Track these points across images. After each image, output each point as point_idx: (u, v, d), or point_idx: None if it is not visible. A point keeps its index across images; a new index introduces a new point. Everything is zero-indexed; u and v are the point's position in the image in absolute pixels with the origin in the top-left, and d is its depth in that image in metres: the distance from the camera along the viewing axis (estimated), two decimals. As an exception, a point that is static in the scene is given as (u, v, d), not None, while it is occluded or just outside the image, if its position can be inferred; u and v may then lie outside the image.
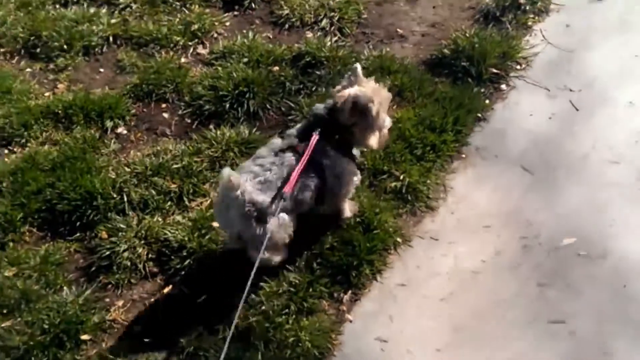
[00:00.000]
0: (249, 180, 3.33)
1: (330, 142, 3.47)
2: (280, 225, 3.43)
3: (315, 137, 3.40)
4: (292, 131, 3.58)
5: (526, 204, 4.07)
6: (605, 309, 3.51)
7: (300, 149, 3.41)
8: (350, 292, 3.74)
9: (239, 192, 3.21)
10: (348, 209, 3.97)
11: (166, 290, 3.86)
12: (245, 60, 5.13)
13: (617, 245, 3.78)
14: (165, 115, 4.96)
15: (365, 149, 3.94)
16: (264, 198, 3.32)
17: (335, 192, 3.70)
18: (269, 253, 3.50)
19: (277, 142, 3.55)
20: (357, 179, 3.78)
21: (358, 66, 3.51)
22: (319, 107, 3.54)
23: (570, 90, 4.73)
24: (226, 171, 3.18)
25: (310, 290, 3.70)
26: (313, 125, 3.47)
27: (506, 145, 4.44)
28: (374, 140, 3.54)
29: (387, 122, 3.64)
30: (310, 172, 3.44)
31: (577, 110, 4.58)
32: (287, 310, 3.62)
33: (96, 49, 5.57)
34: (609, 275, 3.65)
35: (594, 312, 3.51)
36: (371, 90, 3.44)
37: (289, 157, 3.42)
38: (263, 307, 3.63)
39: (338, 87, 3.53)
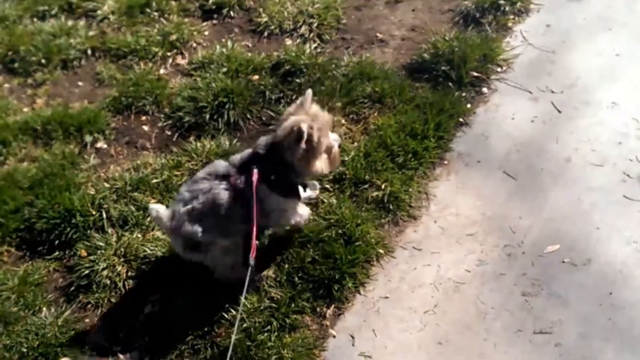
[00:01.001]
0: (180, 211, 3.34)
1: (266, 181, 3.35)
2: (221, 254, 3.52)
3: (255, 175, 3.30)
4: (235, 158, 3.47)
5: (509, 211, 4.02)
6: (591, 318, 3.47)
7: (233, 182, 3.34)
8: (333, 306, 3.69)
9: (168, 224, 3.34)
10: (300, 220, 3.87)
11: (146, 309, 3.80)
12: (225, 70, 5.08)
13: (602, 251, 3.74)
14: (145, 127, 4.90)
15: (316, 177, 3.94)
16: (195, 229, 3.31)
17: (270, 225, 3.73)
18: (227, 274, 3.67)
19: (218, 165, 3.47)
20: (300, 213, 3.78)
21: (309, 93, 3.38)
22: (261, 143, 3.44)
23: (552, 91, 4.68)
24: (151, 207, 3.35)
25: (292, 305, 3.65)
26: (253, 161, 3.39)
27: (489, 150, 4.39)
28: (320, 166, 3.41)
29: (335, 141, 3.53)
30: (239, 207, 3.35)
31: (559, 112, 4.54)
32: (269, 327, 3.56)
33: (74, 62, 5.52)
34: (594, 283, 3.61)
35: (579, 320, 3.46)
36: (311, 117, 3.32)
37: (221, 187, 3.34)
38: (244, 325, 3.58)
39: (286, 112, 3.43)
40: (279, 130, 3.31)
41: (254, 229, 3.24)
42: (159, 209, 3.32)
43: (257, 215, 3.27)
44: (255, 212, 3.26)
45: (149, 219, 4.17)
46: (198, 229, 3.31)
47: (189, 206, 3.33)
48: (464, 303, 3.62)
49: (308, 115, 3.32)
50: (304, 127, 3.20)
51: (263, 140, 3.47)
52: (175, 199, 3.45)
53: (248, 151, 3.50)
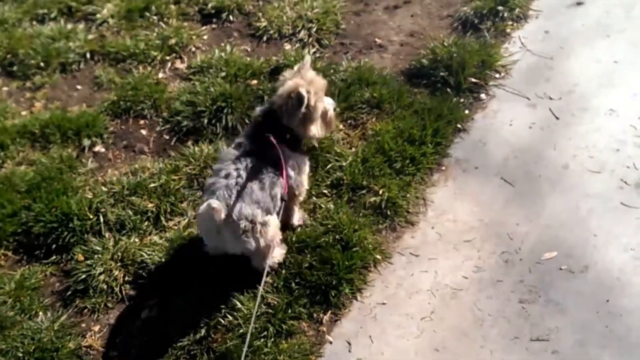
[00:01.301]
0: (228, 197, 3.30)
1: (284, 142, 3.49)
2: (275, 226, 3.49)
3: (273, 140, 3.42)
4: (241, 139, 3.56)
5: (507, 217, 4.02)
6: (588, 325, 3.46)
7: (257, 152, 3.43)
8: (329, 312, 3.69)
9: (223, 216, 3.20)
10: (297, 217, 3.98)
11: (143, 314, 3.79)
12: (223, 74, 5.08)
13: (600, 258, 3.74)
14: (144, 131, 4.90)
15: (311, 140, 3.94)
16: (251, 209, 3.33)
17: (295, 189, 3.73)
18: (273, 255, 3.65)
19: (229, 151, 3.52)
20: (307, 173, 3.85)
21: (308, 59, 3.52)
22: (259, 112, 3.57)
23: (550, 98, 4.68)
24: (206, 204, 3.15)
25: (289, 311, 3.64)
26: (261, 129, 3.49)
27: (486, 156, 4.39)
28: (315, 130, 3.57)
29: (330, 105, 3.64)
30: (273, 172, 3.44)
31: (557, 118, 4.54)
32: (265, 332, 3.56)
33: (73, 66, 5.52)
34: (591, 290, 3.60)
35: (576, 328, 3.46)
36: (307, 82, 3.43)
37: (251, 161, 3.41)
38: (240, 330, 3.56)
39: (282, 78, 3.55)
40: (276, 96, 3.44)
41: (285, 173, 3.39)
42: (213, 204, 3.14)
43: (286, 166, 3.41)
44: (283, 161, 3.39)
45: (146, 223, 4.17)
46: (257, 209, 3.35)
47: (234, 191, 3.32)
48: (461, 310, 3.62)
49: (304, 80, 3.41)
50: (304, 92, 3.32)
51: (259, 109, 3.58)
52: (210, 193, 3.35)
53: (248, 128, 3.63)
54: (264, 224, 3.40)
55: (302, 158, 3.70)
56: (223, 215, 3.20)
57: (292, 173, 3.59)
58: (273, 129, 3.47)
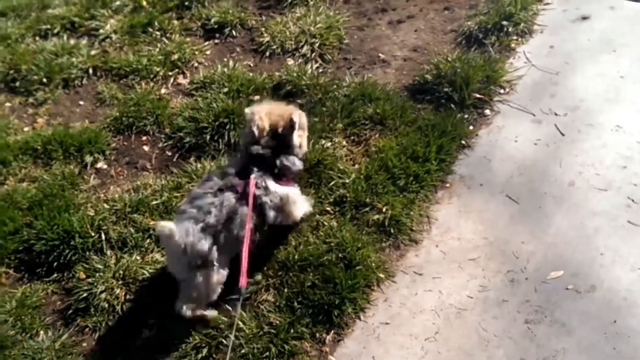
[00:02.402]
0: (191, 228, 3.36)
1: (272, 175, 3.64)
2: (221, 278, 3.60)
3: (253, 179, 3.53)
4: (230, 169, 3.63)
5: (512, 235, 3.97)
6: (595, 346, 3.41)
7: (240, 188, 3.51)
8: (332, 332, 3.64)
9: (179, 241, 3.29)
10: (300, 213, 3.97)
11: (144, 333, 3.76)
12: (226, 90, 5.07)
13: (607, 277, 3.68)
14: (146, 148, 4.88)
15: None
16: (206, 246, 3.38)
17: (281, 220, 3.81)
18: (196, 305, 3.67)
19: (213, 181, 3.57)
20: (303, 203, 3.97)
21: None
22: (248, 147, 3.66)
23: (556, 114, 4.64)
24: (162, 224, 3.25)
25: (292, 331, 3.60)
26: (250, 163, 3.61)
27: (491, 173, 4.35)
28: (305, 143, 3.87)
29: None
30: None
31: (562, 135, 4.49)
32: (267, 353, 3.52)
33: (76, 82, 5.54)
34: (598, 310, 3.54)
35: (583, 349, 3.40)
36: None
37: (229, 197, 3.48)
38: (243, 351, 3.53)
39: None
40: (248, 129, 3.63)
41: (246, 246, 3.34)
42: (171, 227, 3.26)
43: (250, 231, 3.44)
44: (248, 228, 3.41)
45: (148, 241, 4.14)
46: (213, 246, 3.40)
47: (203, 222, 3.38)
48: (465, 330, 3.57)
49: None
50: (295, 116, 3.60)
51: (242, 145, 3.77)
52: (181, 216, 3.44)
53: (237, 158, 3.74)
54: (212, 269, 3.51)
55: (289, 189, 3.76)
56: (180, 241, 3.29)
57: (271, 214, 3.67)
58: (259, 161, 3.63)
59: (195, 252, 3.35)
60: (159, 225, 3.26)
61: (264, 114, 3.63)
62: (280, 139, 3.66)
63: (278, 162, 3.65)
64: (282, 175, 3.69)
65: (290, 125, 3.63)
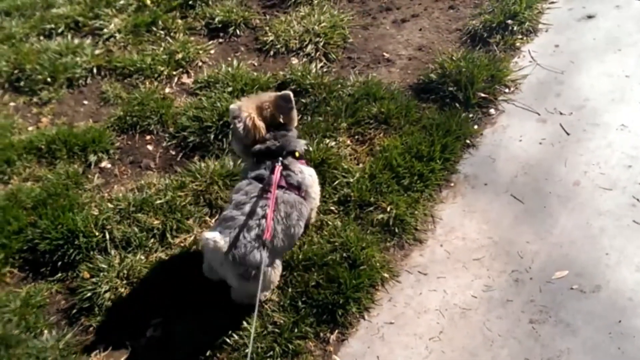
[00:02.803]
0: (242, 238, 3.26)
1: (295, 158, 3.60)
2: (276, 270, 3.52)
3: (278, 169, 3.44)
4: (259, 171, 3.52)
5: (517, 235, 3.96)
6: (600, 346, 3.40)
7: (283, 183, 3.47)
8: (336, 331, 3.63)
9: (229, 254, 3.21)
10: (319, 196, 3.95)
11: (148, 332, 3.76)
12: (230, 89, 5.06)
13: (612, 277, 3.67)
14: (150, 147, 4.88)
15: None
16: (258, 256, 3.28)
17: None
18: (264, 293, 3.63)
19: (252, 184, 3.48)
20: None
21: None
22: (258, 147, 3.55)
23: (561, 113, 4.63)
24: (207, 236, 3.16)
25: (296, 330, 3.59)
26: (271, 156, 3.53)
27: (496, 172, 4.33)
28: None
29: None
30: (293, 201, 3.45)
31: (568, 134, 4.48)
32: (271, 352, 3.51)
33: (80, 81, 5.52)
34: (603, 310, 3.53)
35: (588, 349, 3.39)
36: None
37: (281, 195, 3.43)
38: (247, 350, 3.51)
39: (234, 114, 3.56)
40: (240, 124, 3.51)
41: (272, 205, 3.28)
42: (216, 238, 3.17)
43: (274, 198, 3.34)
44: (274, 191, 3.33)
45: (152, 240, 4.14)
46: (265, 255, 3.28)
47: (254, 231, 3.28)
48: (470, 330, 3.56)
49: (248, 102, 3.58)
50: (289, 93, 3.52)
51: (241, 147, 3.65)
52: (228, 224, 3.32)
53: (257, 160, 3.58)
54: (270, 269, 3.44)
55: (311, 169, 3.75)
56: (212, 247, 3.20)
57: (312, 194, 3.66)
58: (269, 155, 3.55)
59: (248, 264, 3.27)
60: (204, 238, 3.18)
61: (253, 110, 3.52)
62: (279, 125, 3.60)
63: (291, 146, 3.57)
64: (301, 157, 3.65)
65: (288, 108, 3.57)
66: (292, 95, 3.54)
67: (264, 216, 3.29)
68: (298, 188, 3.52)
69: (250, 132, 3.49)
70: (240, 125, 3.49)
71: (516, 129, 4.59)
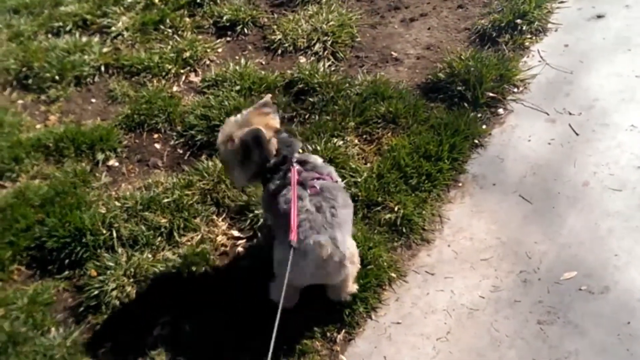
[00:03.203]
0: (332, 230, 3.22)
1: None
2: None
3: (294, 170, 3.37)
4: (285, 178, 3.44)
5: (525, 235, 3.94)
6: (608, 348, 3.38)
7: (325, 176, 3.46)
8: (343, 331, 3.62)
9: (329, 251, 3.14)
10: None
11: (155, 331, 3.75)
12: (237, 87, 5.05)
13: (621, 278, 3.65)
14: (157, 145, 4.88)
15: None
16: (346, 238, 3.30)
17: None
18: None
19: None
20: None
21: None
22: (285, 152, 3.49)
23: (570, 113, 4.60)
24: (321, 240, 3.12)
25: (303, 330, 3.57)
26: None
27: (504, 172, 4.32)
28: None
29: None
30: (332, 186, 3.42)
31: (577, 134, 4.46)
32: (278, 352, 3.49)
33: (88, 79, 5.52)
34: (612, 311, 3.51)
35: (596, 351, 3.37)
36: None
37: (328, 185, 3.41)
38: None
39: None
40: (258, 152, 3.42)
41: (295, 207, 3.20)
42: (322, 240, 3.13)
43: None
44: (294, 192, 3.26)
45: (159, 238, 4.14)
46: (349, 238, 3.35)
47: (333, 223, 3.25)
48: (477, 330, 3.54)
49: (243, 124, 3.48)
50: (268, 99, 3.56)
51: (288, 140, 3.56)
52: (309, 228, 3.19)
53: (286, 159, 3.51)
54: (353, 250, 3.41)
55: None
56: (329, 251, 3.13)
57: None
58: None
59: (346, 257, 3.26)
60: (321, 241, 3.11)
61: (265, 127, 3.43)
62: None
63: (296, 147, 3.55)
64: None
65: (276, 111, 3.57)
66: (269, 96, 3.58)
67: (333, 206, 3.27)
68: (328, 175, 3.48)
69: (271, 150, 3.43)
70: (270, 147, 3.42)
71: (525, 129, 4.56)
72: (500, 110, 4.73)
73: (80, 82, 5.50)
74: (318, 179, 3.38)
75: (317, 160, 3.60)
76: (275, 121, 3.53)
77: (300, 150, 3.63)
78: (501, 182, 4.26)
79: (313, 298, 3.68)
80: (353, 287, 3.65)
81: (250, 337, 3.59)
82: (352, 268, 3.42)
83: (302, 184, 3.34)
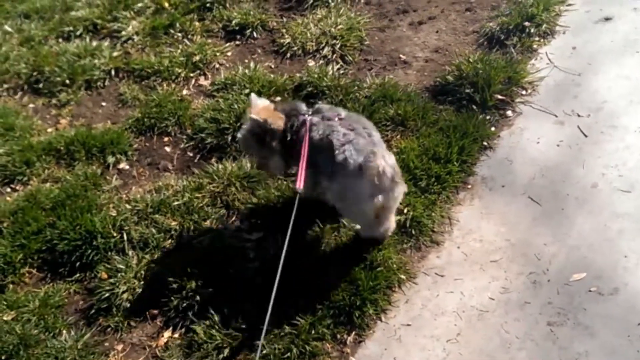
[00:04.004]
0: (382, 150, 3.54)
1: None
2: None
3: (308, 121, 3.67)
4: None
5: (534, 237, 3.94)
6: (618, 349, 3.37)
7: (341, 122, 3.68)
8: (354, 333, 3.64)
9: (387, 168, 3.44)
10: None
11: (166, 333, 3.78)
12: (247, 91, 5.07)
13: (630, 280, 3.64)
14: (168, 149, 4.91)
15: None
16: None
17: None
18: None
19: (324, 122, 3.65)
20: None
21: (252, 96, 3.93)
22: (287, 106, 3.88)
23: (579, 115, 4.60)
24: (375, 150, 3.42)
25: (313, 332, 3.60)
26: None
27: (513, 174, 4.32)
28: None
29: None
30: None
31: (585, 136, 4.46)
32: (288, 354, 3.52)
33: (98, 83, 5.58)
34: (621, 313, 3.50)
35: (606, 352, 3.36)
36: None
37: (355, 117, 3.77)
38: (264, 351, 3.53)
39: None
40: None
41: (305, 156, 3.50)
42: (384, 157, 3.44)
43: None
44: (305, 144, 3.55)
45: (169, 241, 4.16)
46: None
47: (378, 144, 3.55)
48: (487, 332, 3.55)
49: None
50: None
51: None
52: (361, 151, 3.45)
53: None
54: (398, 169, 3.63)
55: None
56: (382, 165, 3.40)
57: None
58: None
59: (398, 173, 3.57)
60: (375, 156, 3.39)
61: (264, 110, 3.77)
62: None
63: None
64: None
65: None
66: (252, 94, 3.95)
67: (366, 127, 3.60)
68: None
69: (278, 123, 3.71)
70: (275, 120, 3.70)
71: (533, 131, 4.57)
72: (509, 113, 4.73)
73: (90, 86, 5.55)
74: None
75: (325, 105, 3.85)
76: (267, 104, 3.86)
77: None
78: (510, 184, 4.27)
79: (323, 300, 3.70)
80: (393, 222, 3.83)
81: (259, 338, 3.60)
82: (402, 188, 3.63)
83: (327, 119, 3.61)
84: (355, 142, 3.45)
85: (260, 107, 3.78)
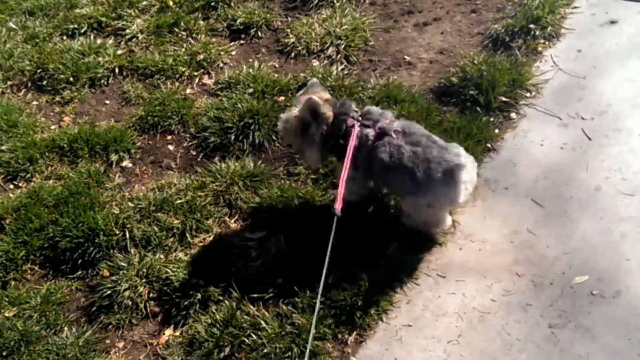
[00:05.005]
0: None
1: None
2: None
3: (355, 131, 3.71)
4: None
5: (537, 239, 3.93)
6: (619, 352, 3.36)
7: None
8: (355, 333, 3.63)
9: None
10: None
11: (167, 331, 3.78)
12: (251, 90, 5.08)
13: (632, 283, 3.63)
14: (171, 147, 4.91)
15: None
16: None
17: None
18: None
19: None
20: None
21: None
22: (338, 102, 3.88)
23: (583, 118, 4.59)
24: (457, 164, 3.48)
25: (314, 331, 3.58)
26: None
27: (516, 176, 4.31)
28: None
29: None
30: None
31: (589, 139, 4.44)
32: (289, 353, 3.52)
33: (102, 81, 5.58)
34: (623, 316, 3.50)
35: (608, 355, 3.36)
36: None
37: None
38: (265, 350, 3.53)
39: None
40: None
41: (344, 174, 3.51)
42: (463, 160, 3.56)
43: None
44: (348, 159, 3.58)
45: (171, 239, 4.17)
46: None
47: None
48: (489, 333, 3.54)
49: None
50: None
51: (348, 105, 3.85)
52: (437, 160, 3.53)
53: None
54: None
55: None
56: (468, 164, 3.58)
57: None
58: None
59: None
60: (459, 157, 3.55)
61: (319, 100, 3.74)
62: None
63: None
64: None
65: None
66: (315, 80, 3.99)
67: (427, 136, 3.68)
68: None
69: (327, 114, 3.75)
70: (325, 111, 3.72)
71: (537, 133, 4.56)
72: (513, 115, 4.72)
73: (94, 84, 5.55)
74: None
75: (375, 108, 3.86)
76: (325, 94, 3.86)
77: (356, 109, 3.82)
78: (513, 186, 4.26)
79: (324, 299, 3.70)
80: (449, 218, 3.97)
81: (260, 337, 3.59)
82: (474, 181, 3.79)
83: (384, 133, 3.65)
84: (429, 154, 3.54)
85: (319, 94, 3.80)
